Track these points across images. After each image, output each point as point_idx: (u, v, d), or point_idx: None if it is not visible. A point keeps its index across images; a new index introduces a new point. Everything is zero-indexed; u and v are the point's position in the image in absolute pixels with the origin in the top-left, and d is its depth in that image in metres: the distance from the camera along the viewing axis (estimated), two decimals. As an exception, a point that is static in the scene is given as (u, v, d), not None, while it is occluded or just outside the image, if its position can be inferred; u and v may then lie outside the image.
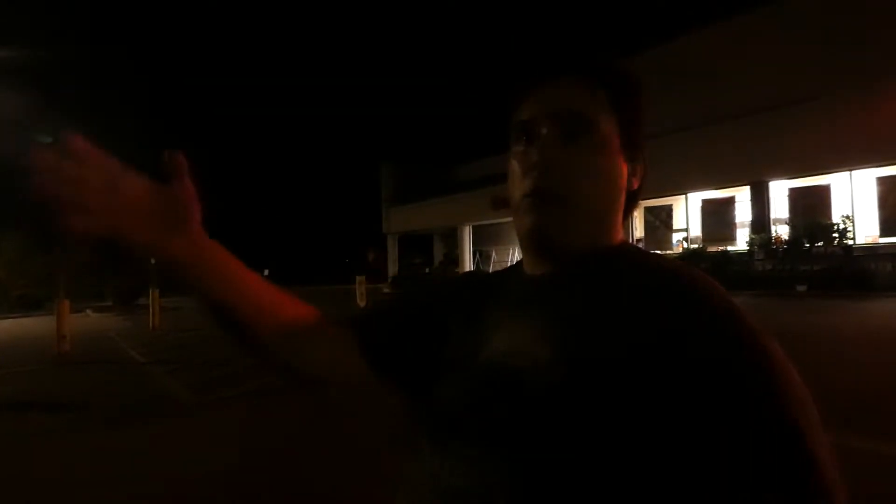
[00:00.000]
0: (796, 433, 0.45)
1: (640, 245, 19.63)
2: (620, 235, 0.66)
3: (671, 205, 19.07)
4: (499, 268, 0.80)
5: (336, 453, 3.78)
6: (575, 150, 0.60)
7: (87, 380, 7.26)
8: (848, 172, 14.64)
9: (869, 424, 3.69)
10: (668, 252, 17.98)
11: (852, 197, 14.65)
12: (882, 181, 14.29)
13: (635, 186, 0.66)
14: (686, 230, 18.43)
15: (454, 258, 27.60)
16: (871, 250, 13.56)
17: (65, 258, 18.07)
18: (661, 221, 19.50)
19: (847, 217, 13.91)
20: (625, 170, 0.64)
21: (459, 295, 0.76)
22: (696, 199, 18.13)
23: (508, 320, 0.64)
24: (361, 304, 15.31)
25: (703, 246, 16.98)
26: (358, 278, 15.95)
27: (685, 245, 17.96)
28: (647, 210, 19.71)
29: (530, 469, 0.52)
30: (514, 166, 0.64)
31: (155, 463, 3.82)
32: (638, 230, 19.82)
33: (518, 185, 0.63)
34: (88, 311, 21.78)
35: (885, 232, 14.15)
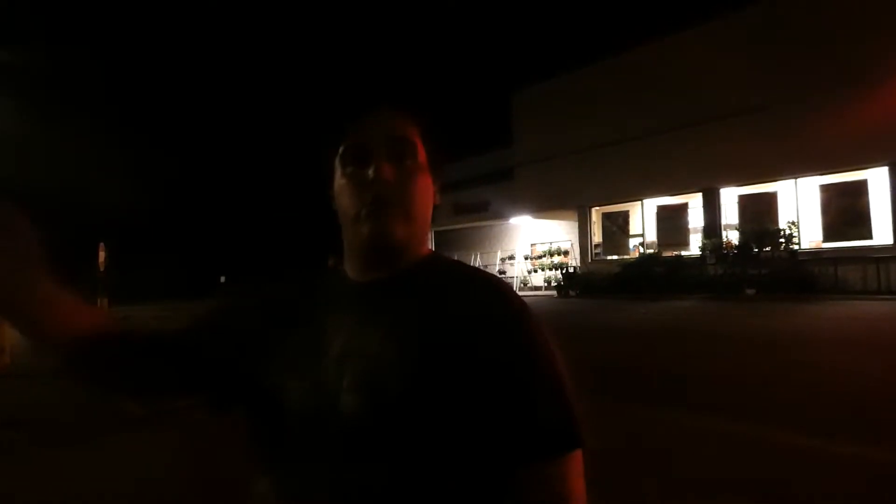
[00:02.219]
0: (550, 385, 0.64)
1: (599, 250, 20.08)
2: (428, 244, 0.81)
3: (627, 211, 19.54)
4: None
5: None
6: (404, 169, 0.73)
7: (31, 395, 6.89)
8: (793, 180, 15.33)
9: (818, 421, 3.85)
10: (625, 256, 18.44)
11: (797, 204, 15.33)
12: (825, 188, 15.02)
13: (437, 202, 0.80)
14: (642, 235, 18.90)
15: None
16: (815, 255, 14.20)
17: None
18: (618, 227, 19.95)
19: (793, 223, 14.51)
20: (433, 189, 0.77)
21: (275, 303, 0.83)
22: (652, 205, 18.63)
23: (345, 326, 0.72)
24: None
25: (659, 251, 17.44)
26: (319, 285, 15.71)
27: (641, 250, 18.40)
28: (605, 216, 20.16)
29: (387, 471, 0.61)
30: (347, 184, 0.73)
31: (104, 481, 3.65)
32: (596, 236, 20.25)
33: (355, 199, 0.72)
34: (32, 322, 20.71)
35: (827, 237, 14.87)
